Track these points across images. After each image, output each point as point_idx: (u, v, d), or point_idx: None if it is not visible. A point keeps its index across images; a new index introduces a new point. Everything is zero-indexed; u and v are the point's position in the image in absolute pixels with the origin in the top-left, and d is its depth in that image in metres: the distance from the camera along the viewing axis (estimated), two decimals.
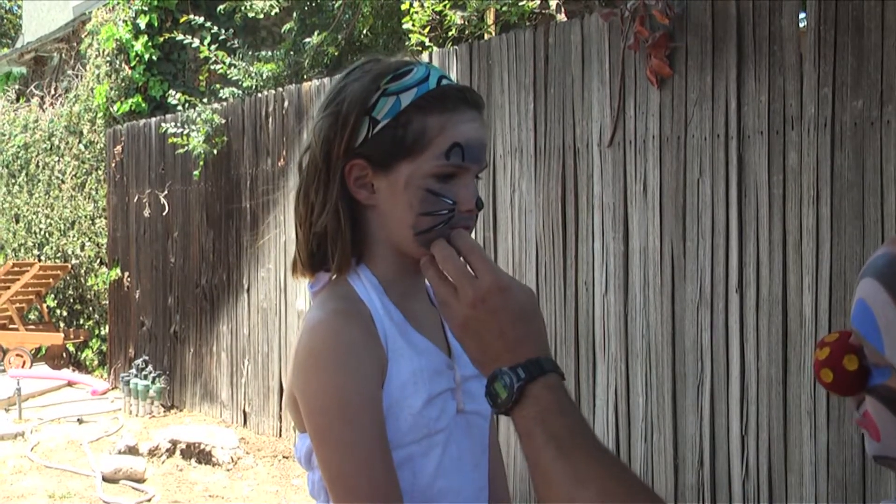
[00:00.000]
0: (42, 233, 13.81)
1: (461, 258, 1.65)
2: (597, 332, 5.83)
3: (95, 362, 12.72)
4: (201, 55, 10.39)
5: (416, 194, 1.85)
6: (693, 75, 5.32)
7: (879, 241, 4.55)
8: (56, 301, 13.45)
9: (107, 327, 12.13)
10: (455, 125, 1.86)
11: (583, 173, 5.92)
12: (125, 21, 11.92)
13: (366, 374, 1.83)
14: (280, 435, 8.85)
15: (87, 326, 13.00)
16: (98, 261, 12.64)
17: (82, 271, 12.95)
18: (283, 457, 8.32)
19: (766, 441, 5.01)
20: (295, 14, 11.13)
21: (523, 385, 1.52)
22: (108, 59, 12.36)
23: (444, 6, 8.66)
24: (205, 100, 10.32)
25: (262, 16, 10.64)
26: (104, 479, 7.85)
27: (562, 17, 7.85)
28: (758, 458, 5.05)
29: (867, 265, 1.45)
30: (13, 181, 14.61)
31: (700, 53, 5.28)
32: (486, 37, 8.28)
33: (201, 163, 9.66)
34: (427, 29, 8.66)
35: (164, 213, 10.55)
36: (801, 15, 4.89)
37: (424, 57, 7.03)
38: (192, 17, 10.95)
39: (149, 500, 7.46)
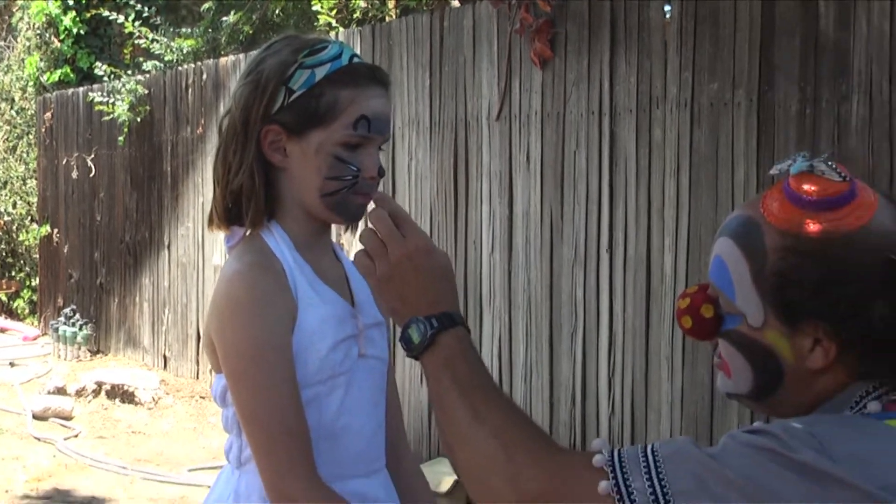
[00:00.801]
0: None
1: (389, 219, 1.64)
2: (484, 286, 5.87)
3: (27, 311, 12.50)
4: (126, 30, 10.21)
5: (324, 160, 1.86)
6: (571, 58, 5.37)
7: (731, 208, 4.64)
8: None
9: (37, 279, 11.93)
10: (363, 99, 1.87)
11: (473, 144, 5.94)
12: None
13: (278, 321, 1.84)
14: (197, 377, 8.80)
15: (18, 278, 12.76)
16: (29, 218, 12.40)
17: (14, 227, 12.69)
18: (200, 397, 8.28)
19: (630, 383, 5.10)
20: None
21: (435, 333, 1.53)
22: (39, 32, 12.11)
23: None
24: (129, 72, 10.15)
25: None
26: (34, 416, 7.75)
27: (456, 3, 7.85)
28: (622, 398, 5.13)
29: (723, 226, 1.50)
30: None
31: (578, 39, 5.32)
32: (387, 19, 8.25)
33: (126, 129, 9.52)
34: (334, 11, 8.60)
35: (90, 175, 10.38)
36: (667, 7, 4.96)
37: (332, 37, 7.00)
38: None
39: (76, 436, 7.39)
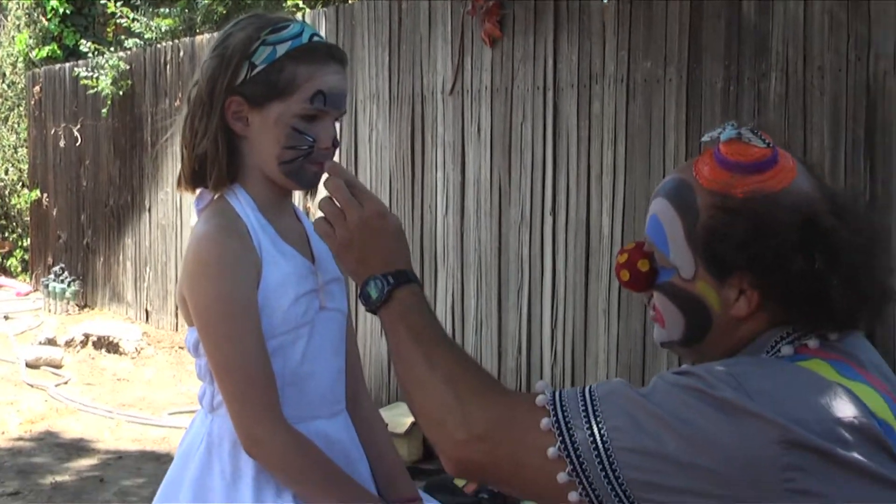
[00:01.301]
0: None
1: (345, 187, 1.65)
2: (438, 246, 5.87)
3: (19, 269, 12.38)
4: (109, 10, 10.04)
5: (283, 130, 1.86)
6: (519, 38, 5.35)
7: (662, 175, 4.66)
8: None
9: (29, 240, 11.81)
10: (320, 75, 1.86)
11: (429, 117, 5.92)
12: None
13: (244, 278, 1.84)
14: (176, 329, 8.75)
15: (11, 239, 12.62)
16: (20, 184, 12.24)
17: (7, 192, 12.53)
18: (179, 347, 8.24)
19: (571, 334, 5.12)
20: None
21: (392, 289, 1.56)
22: (27, 11, 11.95)
23: None
24: (112, 49, 10.01)
25: None
26: (28, 365, 7.70)
27: None
28: (564, 347, 5.16)
29: (659, 187, 1.51)
30: None
31: (525, 20, 5.30)
32: (350, 1, 8.18)
33: (109, 102, 9.42)
34: None
35: (77, 145, 10.28)
36: None
37: (298, 17, 6.93)
38: None
39: (66, 383, 7.35)
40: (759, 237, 1.39)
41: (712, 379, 1.31)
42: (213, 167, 1.90)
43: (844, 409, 1.30)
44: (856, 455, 1.28)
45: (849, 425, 1.29)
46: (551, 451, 1.34)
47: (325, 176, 1.70)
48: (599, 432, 1.32)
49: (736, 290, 1.42)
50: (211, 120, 1.89)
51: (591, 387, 1.38)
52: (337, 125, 1.92)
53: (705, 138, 1.51)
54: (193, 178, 1.94)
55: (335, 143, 1.91)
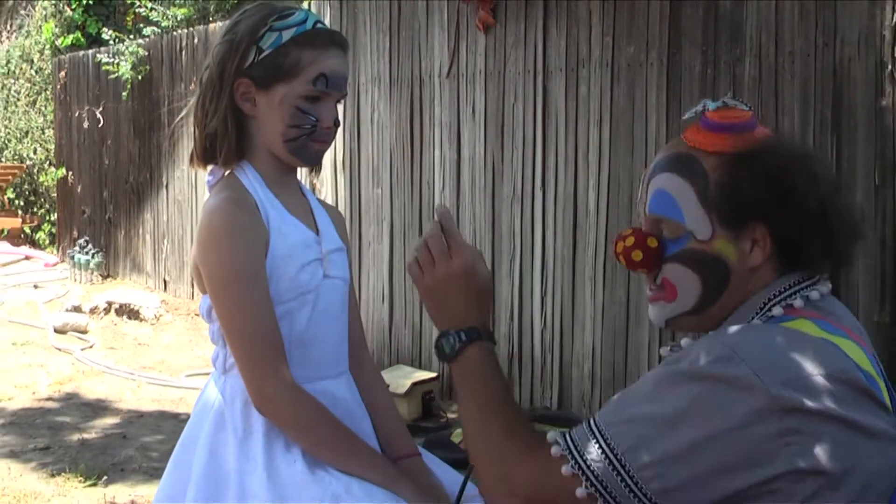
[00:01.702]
0: (2, 140, 13.28)
1: (443, 236, 1.61)
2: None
3: (47, 241, 12.36)
4: (128, 0, 10.00)
5: (287, 110, 1.86)
6: (511, 24, 5.33)
7: (644, 154, 4.66)
8: (15, 194, 12.98)
9: (55, 214, 11.78)
10: (323, 59, 1.86)
11: (426, 99, 5.90)
12: None
13: (253, 247, 1.84)
14: (193, 297, 8.74)
15: (40, 213, 12.59)
16: (48, 162, 12.20)
17: (35, 170, 12.49)
18: (195, 314, 8.23)
19: (559, 301, 5.13)
20: None
21: (462, 347, 1.54)
22: (53, 1, 11.88)
23: None
24: (131, 36, 9.97)
25: None
26: (55, 330, 7.68)
27: None
28: (553, 314, 5.17)
29: (655, 166, 1.50)
30: None
31: (516, 8, 5.28)
32: None
33: (129, 86, 9.38)
34: None
35: (99, 126, 10.24)
36: None
37: (304, 5, 6.89)
38: None
39: (90, 347, 7.35)
40: (769, 184, 1.40)
41: (706, 354, 1.30)
42: (223, 144, 1.90)
43: (832, 362, 1.31)
44: (846, 408, 1.28)
45: (837, 378, 1.29)
46: (579, 491, 1.34)
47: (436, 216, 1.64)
48: (617, 459, 1.31)
49: (750, 241, 1.43)
50: (221, 100, 1.89)
51: (593, 418, 1.37)
52: (339, 107, 1.92)
53: (688, 115, 1.51)
54: (205, 155, 1.94)
55: (336, 123, 1.92)
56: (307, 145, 1.89)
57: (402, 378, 5.50)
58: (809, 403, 1.26)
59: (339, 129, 6.62)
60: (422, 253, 1.60)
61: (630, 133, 4.71)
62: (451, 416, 5.45)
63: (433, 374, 5.63)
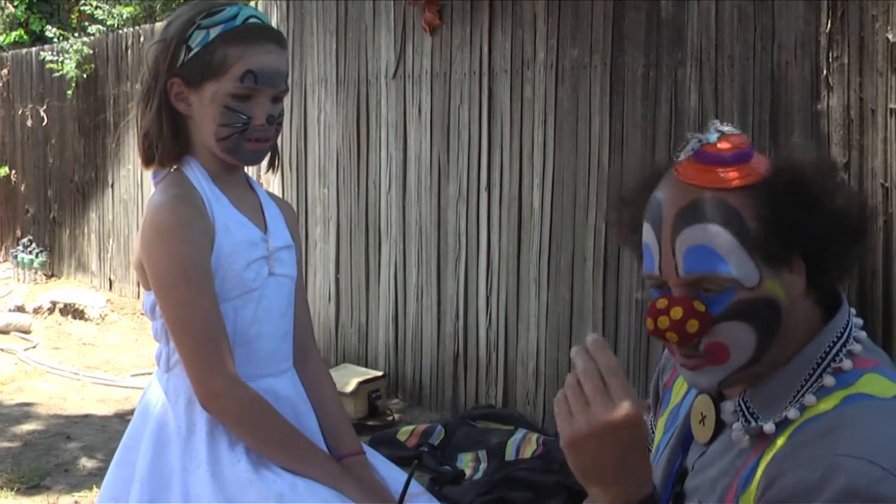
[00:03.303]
0: None
1: (601, 376, 1.23)
2: (382, 219, 5.86)
3: None
4: None
5: (217, 109, 1.84)
6: (457, 26, 5.33)
7: (588, 154, 4.69)
8: None
9: None
10: (251, 55, 1.84)
11: (373, 99, 5.89)
12: None
13: (198, 243, 1.83)
14: (138, 297, 8.63)
15: None
16: None
17: None
18: (141, 314, 8.13)
19: (504, 299, 5.15)
20: None
21: None
22: None
23: None
24: (76, 34, 9.83)
25: None
26: None
27: None
28: (498, 312, 5.19)
29: (674, 223, 1.30)
30: None
31: (462, 10, 5.29)
32: None
33: (73, 84, 9.24)
34: None
35: (43, 124, 10.08)
36: None
37: (252, 4, 6.84)
38: None
39: (34, 347, 7.24)
40: (798, 206, 1.27)
41: (856, 479, 1.14)
42: (159, 144, 1.89)
43: None
44: None
45: None
46: None
47: (590, 343, 1.27)
48: None
49: (788, 270, 1.29)
50: (155, 101, 1.88)
51: None
52: (278, 104, 1.89)
53: (683, 154, 1.34)
54: (147, 154, 1.93)
55: (272, 121, 1.88)
56: (240, 144, 1.87)
57: (348, 377, 5.48)
58: None
59: (286, 130, 6.56)
60: (573, 393, 1.23)
61: (574, 134, 4.74)
62: (397, 414, 5.46)
63: (379, 373, 5.63)
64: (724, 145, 1.31)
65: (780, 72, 3.97)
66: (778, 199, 1.27)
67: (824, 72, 3.82)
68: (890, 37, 3.59)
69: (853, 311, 1.37)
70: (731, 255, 1.27)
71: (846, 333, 1.32)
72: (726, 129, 1.34)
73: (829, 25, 3.79)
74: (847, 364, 1.28)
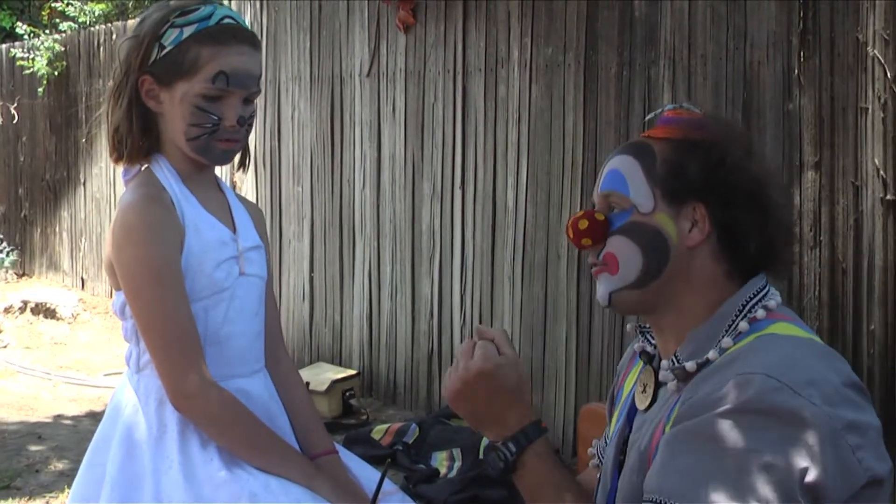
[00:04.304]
0: None
1: (474, 340, 1.52)
2: (356, 217, 5.85)
3: None
4: None
5: (187, 108, 1.83)
6: (431, 24, 5.33)
7: (562, 153, 4.70)
8: None
9: None
10: (223, 56, 1.83)
11: (347, 97, 5.88)
12: None
13: (167, 243, 1.82)
14: (111, 296, 8.52)
15: None
16: None
17: None
18: (114, 313, 8.09)
19: (479, 297, 5.15)
20: None
21: (516, 458, 1.48)
22: None
23: None
24: (47, 31, 9.75)
25: None
26: None
27: None
28: (472, 310, 5.19)
29: (611, 156, 1.55)
30: None
31: (436, 8, 5.29)
32: None
33: (45, 82, 9.17)
34: None
35: (14, 122, 9.99)
36: None
37: (225, 3, 6.81)
38: None
39: (5, 347, 7.18)
40: (708, 161, 1.46)
41: (754, 390, 1.28)
42: (127, 140, 1.88)
43: (844, 368, 1.36)
44: (869, 412, 1.33)
45: (853, 384, 1.34)
46: None
47: None
48: None
49: (690, 221, 1.46)
50: (125, 97, 1.87)
51: (660, 500, 1.30)
52: (250, 105, 1.88)
53: (650, 116, 1.58)
54: (116, 150, 1.92)
55: (242, 122, 1.87)
56: (210, 144, 1.86)
57: (322, 375, 5.47)
58: (853, 416, 1.29)
59: (260, 128, 6.52)
60: (457, 357, 1.53)
61: (548, 132, 4.75)
62: (372, 413, 5.45)
63: (353, 372, 5.62)
64: (675, 112, 1.55)
65: (752, 71, 3.99)
66: (683, 148, 1.48)
67: (796, 71, 3.84)
68: (860, 37, 3.62)
69: (773, 287, 1.51)
70: (633, 181, 1.49)
71: (763, 294, 1.47)
72: (688, 106, 1.57)
73: (800, 25, 3.82)
74: (761, 313, 1.44)
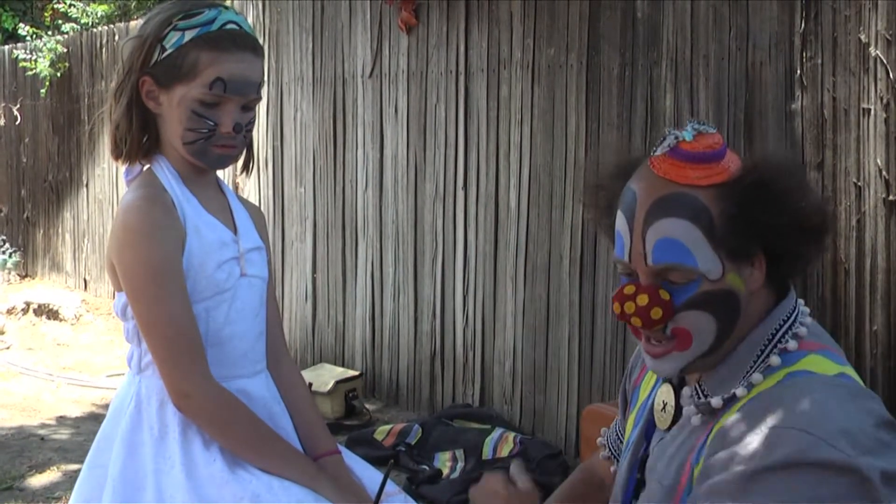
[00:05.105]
0: None
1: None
2: (359, 218, 5.85)
3: None
4: None
5: (184, 113, 1.83)
6: (433, 25, 5.34)
7: (564, 154, 4.70)
8: None
9: None
10: (222, 62, 1.82)
11: (349, 98, 5.88)
12: None
13: (169, 244, 1.82)
14: (114, 297, 8.55)
15: None
16: None
17: None
18: (116, 314, 8.09)
19: (481, 298, 5.15)
20: None
21: None
22: None
23: None
24: (49, 33, 9.76)
25: None
26: None
27: None
28: (474, 312, 5.19)
29: (646, 214, 1.38)
30: None
31: (438, 9, 5.29)
32: None
33: (47, 83, 9.18)
34: None
35: (17, 123, 10.00)
36: None
37: (228, 3, 6.82)
38: None
39: (8, 348, 7.19)
40: (761, 205, 1.34)
41: (791, 448, 1.25)
42: (127, 140, 1.89)
43: (876, 407, 1.31)
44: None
45: (886, 423, 1.30)
46: None
47: None
48: None
49: (750, 266, 1.38)
50: (126, 97, 1.88)
51: None
52: (249, 112, 1.87)
53: (660, 149, 1.41)
54: (116, 149, 1.92)
55: (239, 129, 1.86)
56: (207, 149, 1.85)
57: (325, 376, 5.48)
58: (886, 463, 1.26)
59: (263, 129, 6.52)
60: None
61: (550, 133, 4.75)
62: (374, 414, 5.45)
63: (356, 373, 5.63)
64: (698, 143, 1.38)
65: (754, 72, 3.99)
66: (743, 197, 1.34)
67: (798, 72, 3.84)
68: (862, 37, 3.62)
69: (801, 301, 1.45)
70: (697, 249, 1.35)
71: (793, 318, 1.40)
72: (702, 127, 1.40)
73: (802, 26, 3.82)
74: (792, 345, 1.37)
